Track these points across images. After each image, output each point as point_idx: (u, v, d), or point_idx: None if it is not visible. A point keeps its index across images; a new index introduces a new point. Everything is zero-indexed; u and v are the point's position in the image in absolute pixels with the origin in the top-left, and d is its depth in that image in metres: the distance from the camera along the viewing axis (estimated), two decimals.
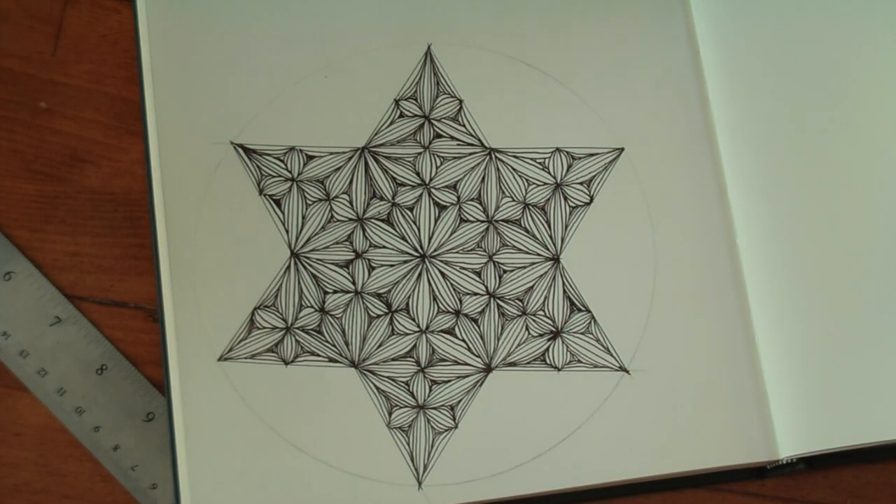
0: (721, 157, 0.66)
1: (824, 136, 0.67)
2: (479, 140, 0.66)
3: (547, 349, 0.64)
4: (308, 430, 0.62)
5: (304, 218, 0.65)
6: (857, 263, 0.65)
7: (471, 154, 0.66)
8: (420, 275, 0.65)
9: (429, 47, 0.67)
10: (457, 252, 0.65)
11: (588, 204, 0.66)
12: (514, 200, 0.66)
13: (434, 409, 0.63)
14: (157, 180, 0.65)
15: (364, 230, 0.65)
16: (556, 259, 0.65)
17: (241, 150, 0.66)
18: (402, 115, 0.67)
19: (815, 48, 0.68)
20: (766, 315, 0.64)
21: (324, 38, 0.67)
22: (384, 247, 0.65)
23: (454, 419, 0.63)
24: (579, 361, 0.64)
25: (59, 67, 0.69)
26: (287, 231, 0.65)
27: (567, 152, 0.66)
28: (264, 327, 0.64)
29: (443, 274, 0.65)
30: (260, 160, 0.66)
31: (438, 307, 0.64)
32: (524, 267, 0.65)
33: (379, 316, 0.64)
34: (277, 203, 0.65)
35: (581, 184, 0.66)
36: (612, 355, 0.64)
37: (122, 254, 0.66)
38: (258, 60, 0.67)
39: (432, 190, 0.66)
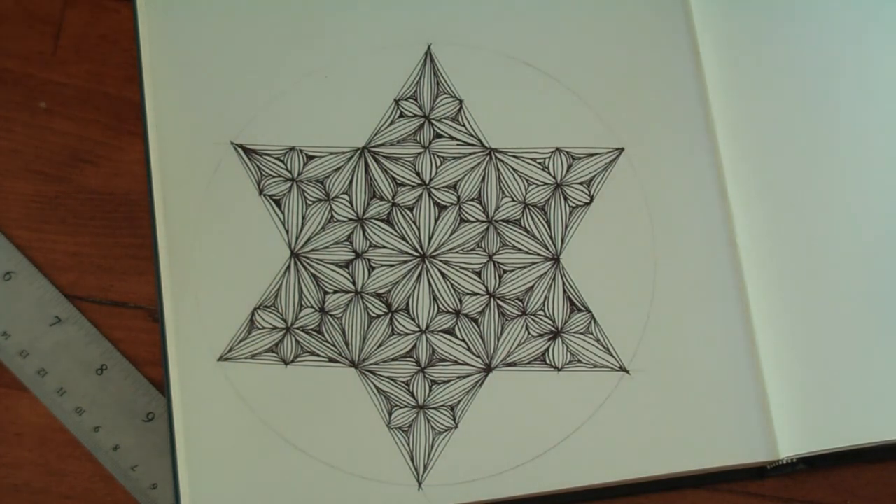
0: (721, 157, 0.66)
1: (824, 135, 0.67)
2: (479, 140, 0.66)
3: (547, 349, 0.64)
4: (308, 430, 0.62)
5: (304, 218, 0.65)
6: (857, 263, 0.65)
7: (471, 154, 0.66)
8: (420, 275, 0.65)
9: (429, 47, 0.67)
10: (457, 252, 0.65)
11: (588, 204, 0.66)
12: (514, 200, 0.66)
13: (434, 409, 0.63)
14: (157, 180, 0.65)
15: (364, 230, 0.65)
16: (556, 259, 0.65)
17: (241, 150, 0.66)
18: (402, 115, 0.67)
19: (816, 48, 0.68)
20: (766, 315, 0.64)
21: (324, 38, 0.67)
22: (384, 247, 0.65)
23: (454, 419, 0.63)
24: (579, 361, 0.64)
25: (59, 67, 0.68)
26: (287, 231, 0.65)
27: (567, 152, 0.66)
28: (264, 327, 0.64)
29: (443, 274, 0.65)
30: (260, 160, 0.66)
31: (438, 307, 0.64)
32: (524, 267, 0.65)
33: (379, 316, 0.64)
34: (277, 203, 0.65)
35: (581, 184, 0.66)
36: (612, 355, 0.64)
37: (122, 254, 0.66)
38: (258, 60, 0.67)
39: (432, 190, 0.66)
